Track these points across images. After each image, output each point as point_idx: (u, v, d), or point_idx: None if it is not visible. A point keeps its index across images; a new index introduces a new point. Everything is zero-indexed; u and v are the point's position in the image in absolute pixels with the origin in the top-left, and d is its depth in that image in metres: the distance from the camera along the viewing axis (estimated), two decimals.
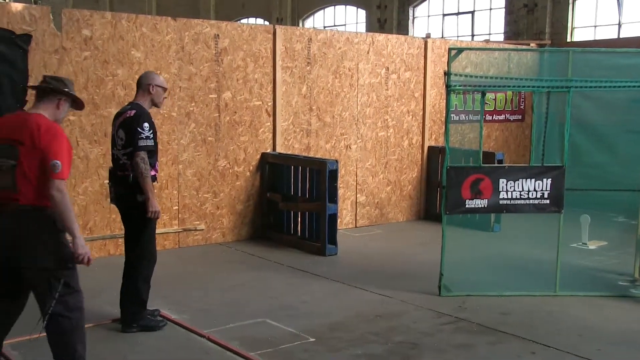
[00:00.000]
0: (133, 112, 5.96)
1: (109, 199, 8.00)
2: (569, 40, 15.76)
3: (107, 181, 6.31)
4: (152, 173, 5.98)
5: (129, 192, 5.94)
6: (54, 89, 4.66)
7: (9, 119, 4.69)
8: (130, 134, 5.88)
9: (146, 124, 5.90)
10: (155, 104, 6.18)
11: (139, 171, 5.83)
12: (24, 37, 7.83)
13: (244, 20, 29.79)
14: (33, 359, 5.37)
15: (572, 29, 15.96)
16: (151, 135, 5.92)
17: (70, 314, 4.57)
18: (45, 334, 4.63)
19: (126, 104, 6.35)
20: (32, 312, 4.69)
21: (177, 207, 9.09)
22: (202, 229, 9.36)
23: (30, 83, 7.87)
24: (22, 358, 5.36)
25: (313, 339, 5.95)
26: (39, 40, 7.96)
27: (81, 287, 4.70)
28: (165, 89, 6.26)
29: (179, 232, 9.15)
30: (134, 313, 6.06)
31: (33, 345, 5.61)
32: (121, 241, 8.33)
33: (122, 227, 6.32)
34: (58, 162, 4.39)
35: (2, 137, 4.48)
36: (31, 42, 7.88)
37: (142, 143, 5.85)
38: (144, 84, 6.11)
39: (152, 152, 6.00)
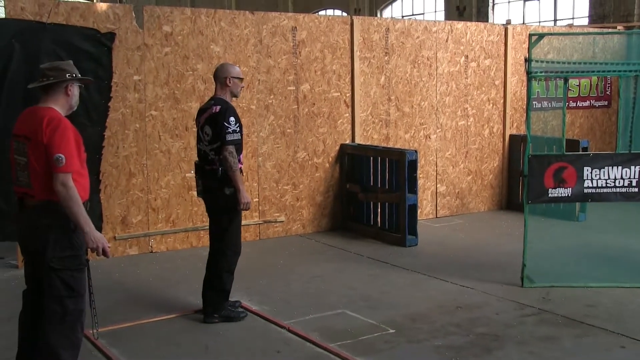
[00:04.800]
0: (218, 107, 6.03)
1: (190, 192, 8.19)
2: None
3: (194, 174, 6.41)
4: (239, 166, 6.06)
5: (218, 185, 6.03)
6: (58, 80, 4.50)
7: (23, 115, 4.60)
8: (218, 129, 5.95)
9: (232, 118, 5.96)
10: (234, 95, 6.24)
11: (228, 165, 5.91)
12: (108, 35, 8.05)
13: (322, 12, 29.88)
14: (121, 344, 5.53)
15: None
16: (238, 129, 5.99)
17: (65, 317, 4.43)
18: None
19: (208, 99, 6.44)
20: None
21: (257, 199, 9.18)
22: (282, 221, 9.43)
23: (115, 79, 8.11)
24: (109, 345, 5.52)
25: (393, 330, 5.92)
26: (122, 37, 8.16)
27: (84, 291, 4.54)
28: (241, 79, 6.30)
29: (259, 224, 9.25)
30: (216, 304, 6.15)
31: (119, 333, 5.80)
32: (203, 233, 8.48)
33: (204, 219, 6.42)
34: (61, 155, 4.28)
35: (19, 134, 4.48)
36: (115, 39, 8.10)
37: (229, 137, 5.92)
38: (221, 77, 6.17)
39: (239, 146, 6.07)
